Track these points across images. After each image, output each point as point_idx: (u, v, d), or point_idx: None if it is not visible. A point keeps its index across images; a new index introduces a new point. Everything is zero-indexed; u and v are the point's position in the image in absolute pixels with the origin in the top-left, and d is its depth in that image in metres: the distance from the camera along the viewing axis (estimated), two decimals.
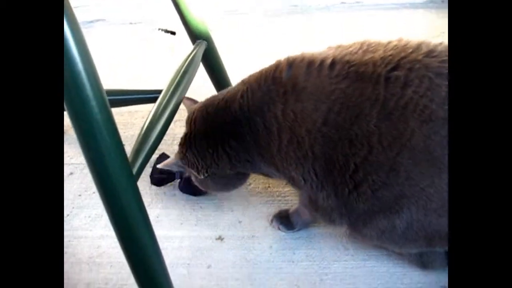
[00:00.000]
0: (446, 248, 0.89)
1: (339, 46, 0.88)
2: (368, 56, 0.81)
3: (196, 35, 1.20)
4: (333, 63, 0.83)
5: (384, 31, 1.66)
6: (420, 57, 0.77)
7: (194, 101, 1.10)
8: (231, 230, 1.14)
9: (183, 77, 1.07)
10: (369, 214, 0.86)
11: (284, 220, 1.11)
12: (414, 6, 1.82)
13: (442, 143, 0.74)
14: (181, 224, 1.18)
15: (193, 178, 1.09)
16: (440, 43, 0.79)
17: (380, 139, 0.78)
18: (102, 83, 0.65)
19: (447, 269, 0.95)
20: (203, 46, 1.19)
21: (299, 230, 1.10)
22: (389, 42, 0.83)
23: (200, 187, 1.11)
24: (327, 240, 1.08)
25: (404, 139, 0.76)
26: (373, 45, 0.84)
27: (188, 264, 1.09)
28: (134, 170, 0.80)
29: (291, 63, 0.88)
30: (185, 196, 1.23)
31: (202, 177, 1.03)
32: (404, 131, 0.76)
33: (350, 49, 0.85)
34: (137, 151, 0.86)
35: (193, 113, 1.02)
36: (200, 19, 1.19)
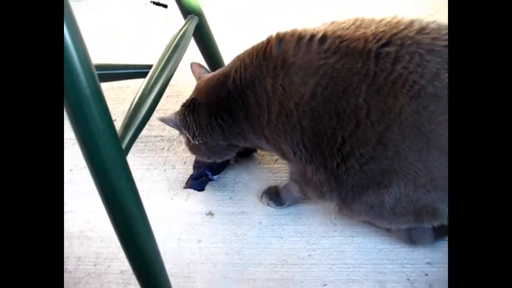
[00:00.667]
0: (434, 223, 0.90)
1: (333, 22, 0.89)
2: (360, 31, 0.82)
3: (187, 10, 1.18)
4: (324, 37, 0.84)
5: (381, 11, 1.62)
6: (411, 34, 0.78)
7: (203, 68, 1.13)
8: (221, 206, 1.15)
9: (174, 52, 1.07)
10: (358, 189, 0.87)
11: (274, 196, 1.12)
12: None
13: (431, 118, 0.75)
14: (172, 199, 1.18)
15: (185, 141, 1.11)
16: (433, 21, 0.80)
17: (369, 113, 0.79)
18: (91, 57, 0.64)
19: (433, 245, 0.97)
20: (194, 21, 1.18)
21: (288, 206, 1.11)
22: (383, 19, 0.83)
23: (191, 152, 1.13)
24: (315, 216, 1.09)
25: (393, 114, 0.77)
26: (366, 21, 0.84)
27: (179, 238, 1.10)
28: (124, 145, 0.80)
29: (281, 38, 0.89)
30: (175, 171, 1.24)
31: (197, 143, 1.06)
32: (393, 106, 0.77)
33: (343, 24, 0.86)
34: (126, 125, 0.86)
35: (201, 81, 1.06)
36: None
